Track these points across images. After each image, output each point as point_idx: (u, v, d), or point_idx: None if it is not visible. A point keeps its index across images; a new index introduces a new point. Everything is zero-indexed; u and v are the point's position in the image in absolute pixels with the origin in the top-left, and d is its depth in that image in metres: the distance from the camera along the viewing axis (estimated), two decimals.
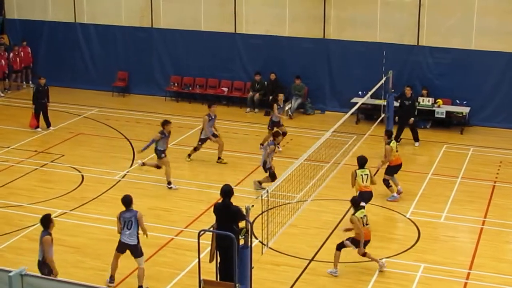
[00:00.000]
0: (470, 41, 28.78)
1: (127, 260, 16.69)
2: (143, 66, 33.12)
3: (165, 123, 22.83)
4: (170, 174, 22.62)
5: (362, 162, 20.01)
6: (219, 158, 24.60)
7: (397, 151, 22.08)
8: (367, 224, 17.43)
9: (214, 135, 24.46)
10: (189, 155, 24.89)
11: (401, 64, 28.94)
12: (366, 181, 19.84)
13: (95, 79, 33.78)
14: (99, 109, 30.76)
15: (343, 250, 17.52)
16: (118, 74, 33.45)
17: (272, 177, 21.86)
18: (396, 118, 26.94)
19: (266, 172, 22.20)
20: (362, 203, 18.01)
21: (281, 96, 25.99)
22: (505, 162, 24.95)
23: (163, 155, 22.60)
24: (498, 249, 18.48)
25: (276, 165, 23.01)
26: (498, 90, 28.59)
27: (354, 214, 17.41)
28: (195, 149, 24.78)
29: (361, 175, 19.86)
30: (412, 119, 26.65)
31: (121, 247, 16.59)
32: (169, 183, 22.59)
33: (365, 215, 17.46)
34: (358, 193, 19.84)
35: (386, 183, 21.84)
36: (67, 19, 33.97)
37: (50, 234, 15.34)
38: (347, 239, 17.50)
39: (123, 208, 16.55)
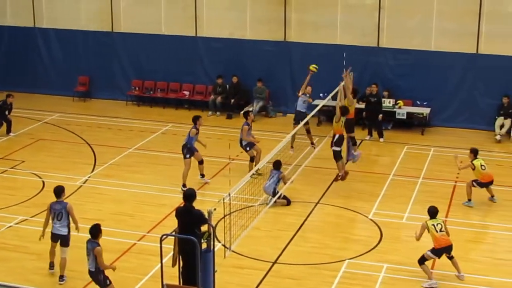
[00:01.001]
0: (430, 42, 29.00)
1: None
2: (104, 70, 32.92)
3: (197, 118, 22.79)
4: (186, 177, 22.42)
5: (344, 111, 22.35)
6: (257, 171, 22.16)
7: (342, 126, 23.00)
8: (441, 231, 17.20)
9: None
10: (257, 172, 22.31)
11: (362, 66, 29.04)
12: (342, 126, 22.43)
13: (56, 84, 33.48)
14: (60, 114, 30.51)
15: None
16: (79, 79, 33.20)
17: (287, 200, 21.73)
18: (364, 113, 27.74)
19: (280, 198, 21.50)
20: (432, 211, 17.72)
21: (309, 88, 25.44)
22: (465, 162, 25.09)
23: (188, 155, 22.51)
24: (459, 248, 18.56)
25: (238, 168, 23.04)
26: (458, 91, 28.83)
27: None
28: (252, 160, 23.52)
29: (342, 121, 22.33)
30: (381, 115, 27.36)
31: (54, 237, 17.15)
32: (184, 185, 22.26)
33: (439, 223, 17.29)
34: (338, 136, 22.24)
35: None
36: (26, 23, 33.65)
37: (99, 245, 15.59)
38: (428, 250, 17.38)
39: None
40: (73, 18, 33.16)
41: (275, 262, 18.16)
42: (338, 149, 22.25)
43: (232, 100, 30.52)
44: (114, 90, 32.86)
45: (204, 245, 14.72)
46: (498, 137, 27.58)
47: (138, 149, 26.33)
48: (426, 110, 28.63)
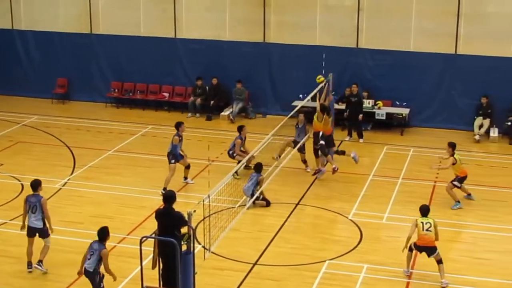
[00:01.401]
0: (408, 43, 29.11)
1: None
2: (83, 72, 32.79)
3: (179, 124, 22.74)
4: (169, 182, 22.29)
5: (323, 109, 23.22)
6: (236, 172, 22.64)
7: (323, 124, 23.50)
8: (428, 230, 17.24)
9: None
10: (237, 173, 22.80)
11: (341, 67, 29.11)
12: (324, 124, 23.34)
13: (34, 86, 33.31)
14: (39, 117, 30.36)
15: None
16: (58, 81, 33.06)
17: (266, 201, 21.73)
18: (345, 114, 27.86)
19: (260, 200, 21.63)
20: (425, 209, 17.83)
21: (301, 117, 24.47)
22: (444, 162, 25.15)
23: (173, 160, 22.46)
24: (440, 248, 18.61)
25: (218, 170, 23.02)
26: (436, 91, 28.96)
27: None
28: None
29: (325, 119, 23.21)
30: (361, 115, 27.53)
31: (30, 231, 17.39)
32: (165, 188, 22.01)
33: (428, 222, 17.33)
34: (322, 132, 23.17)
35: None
36: (4, 25, 33.47)
37: (105, 247, 15.81)
38: (413, 243, 17.52)
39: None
40: (51, 20, 33.02)
41: (255, 264, 18.15)
42: (324, 142, 22.80)
43: (212, 102, 30.48)
44: (93, 92, 32.74)
45: (184, 247, 14.68)
46: (477, 137, 27.70)
47: (117, 151, 26.25)
48: (405, 111, 28.74)
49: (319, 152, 23.51)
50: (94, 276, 15.79)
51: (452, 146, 21.61)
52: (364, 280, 17.45)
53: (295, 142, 24.07)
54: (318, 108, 23.54)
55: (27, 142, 27.35)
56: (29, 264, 17.52)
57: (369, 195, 22.56)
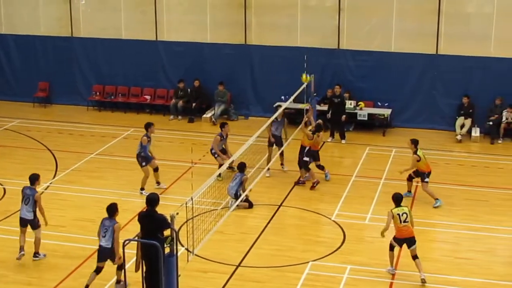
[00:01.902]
0: (390, 44, 29.19)
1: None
2: (64, 76, 32.67)
3: (149, 125, 22.61)
4: (145, 182, 22.44)
5: (318, 128, 22.97)
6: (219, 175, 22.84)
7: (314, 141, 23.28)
8: (405, 222, 17.27)
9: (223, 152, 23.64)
10: (220, 175, 22.79)
11: (323, 68, 29.18)
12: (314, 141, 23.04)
13: (16, 90, 33.22)
14: (20, 121, 30.24)
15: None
16: (39, 85, 32.94)
17: (249, 203, 21.69)
18: (328, 115, 27.74)
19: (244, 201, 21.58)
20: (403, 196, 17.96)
21: (281, 110, 24.12)
22: (405, 165, 25.10)
23: (144, 163, 22.39)
24: (422, 248, 18.64)
25: (200, 172, 22.96)
26: (418, 92, 29.05)
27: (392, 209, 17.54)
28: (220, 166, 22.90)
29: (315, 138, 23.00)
30: (345, 116, 27.56)
31: (22, 222, 18.05)
32: (142, 188, 22.44)
33: (404, 213, 17.33)
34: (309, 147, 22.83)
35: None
36: None
37: (117, 222, 16.44)
38: (392, 238, 17.57)
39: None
40: (32, 24, 32.92)
41: (238, 266, 18.15)
42: (308, 159, 22.74)
43: (194, 104, 30.46)
44: (74, 96, 32.64)
45: (167, 250, 14.68)
46: (458, 137, 27.81)
47: (99, 154, 26.19)
48: (387, 111, 28.80)
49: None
50: (113, 253, 16.10)
51: (414, 142, 21.80)
52: (348, 281, 17.47)
53: (275, 137, 24.03)
54: (306, 131, 23.27)
55: (8, 146, 27.25)
56: (21, 249, 17.91)
57: (352, 196, 22.60)
